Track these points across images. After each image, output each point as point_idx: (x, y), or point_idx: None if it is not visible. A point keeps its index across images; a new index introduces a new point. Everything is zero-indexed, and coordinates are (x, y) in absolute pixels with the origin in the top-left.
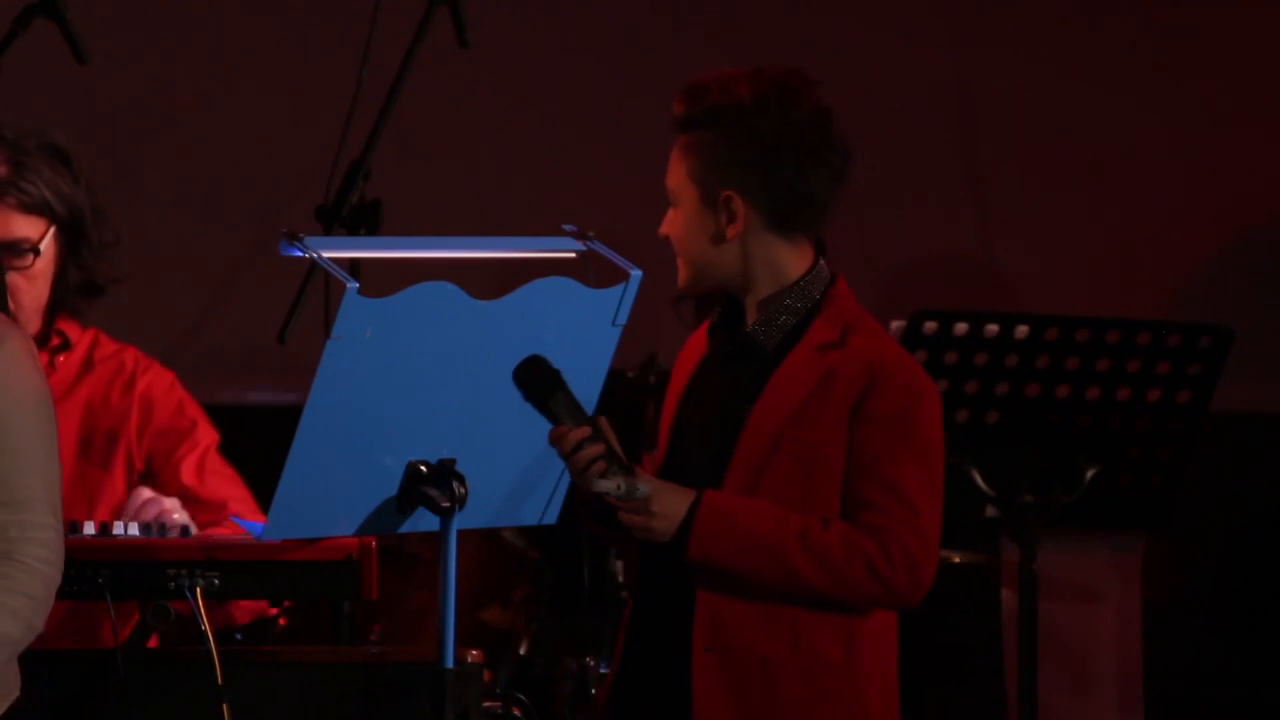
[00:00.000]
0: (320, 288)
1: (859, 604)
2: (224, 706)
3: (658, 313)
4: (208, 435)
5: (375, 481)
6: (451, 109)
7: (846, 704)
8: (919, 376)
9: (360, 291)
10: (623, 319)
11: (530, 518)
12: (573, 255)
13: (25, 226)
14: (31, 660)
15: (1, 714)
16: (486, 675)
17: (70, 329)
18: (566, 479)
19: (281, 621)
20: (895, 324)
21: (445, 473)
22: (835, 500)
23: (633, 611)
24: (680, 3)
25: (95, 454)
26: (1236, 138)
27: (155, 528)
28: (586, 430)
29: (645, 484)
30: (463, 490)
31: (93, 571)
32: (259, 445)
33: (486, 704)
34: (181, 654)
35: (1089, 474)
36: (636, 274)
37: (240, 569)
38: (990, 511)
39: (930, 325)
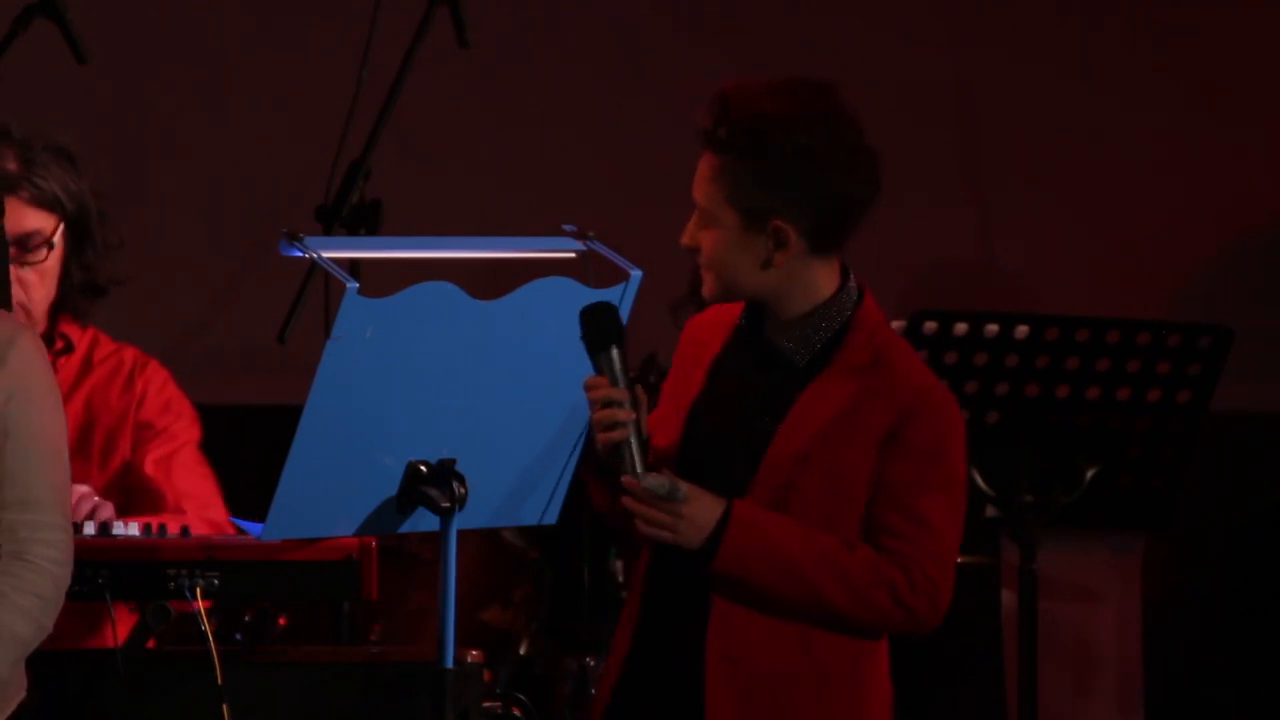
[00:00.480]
0: (320, 288)
1: (878, 628)
2: (224, 706)
3: (658, 313)
4: (186, 432)
5: (375, 481)
6: (451, 109)
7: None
8: (955, 410)
9: (360, 291)
10: (623, 319)
11: (530, 518)
12: (573, 255)
13: (37, 220)
14: (31, 660)
15: (9, 713)
16: (486, 675)
17: (72, 330)
18: (567, 479)
19: (281, 621)
20: (895, 324)
21: (445, 473)
22: (856, 522)
23: (640, 616)
24: (680, 3)
25: (94, 453)
26: (1236, 138)
27: (95, 527)
28: (624, 394)
29: (683, 486)
30: (463, 490)
31: (93, 571)
32: (259, 445)
33: (486, 704)
34: (181, 654)
35: (1089, 474)
36: (636, 274)
37: (240, 569)
38: (990, 511)
39: (930, 325)
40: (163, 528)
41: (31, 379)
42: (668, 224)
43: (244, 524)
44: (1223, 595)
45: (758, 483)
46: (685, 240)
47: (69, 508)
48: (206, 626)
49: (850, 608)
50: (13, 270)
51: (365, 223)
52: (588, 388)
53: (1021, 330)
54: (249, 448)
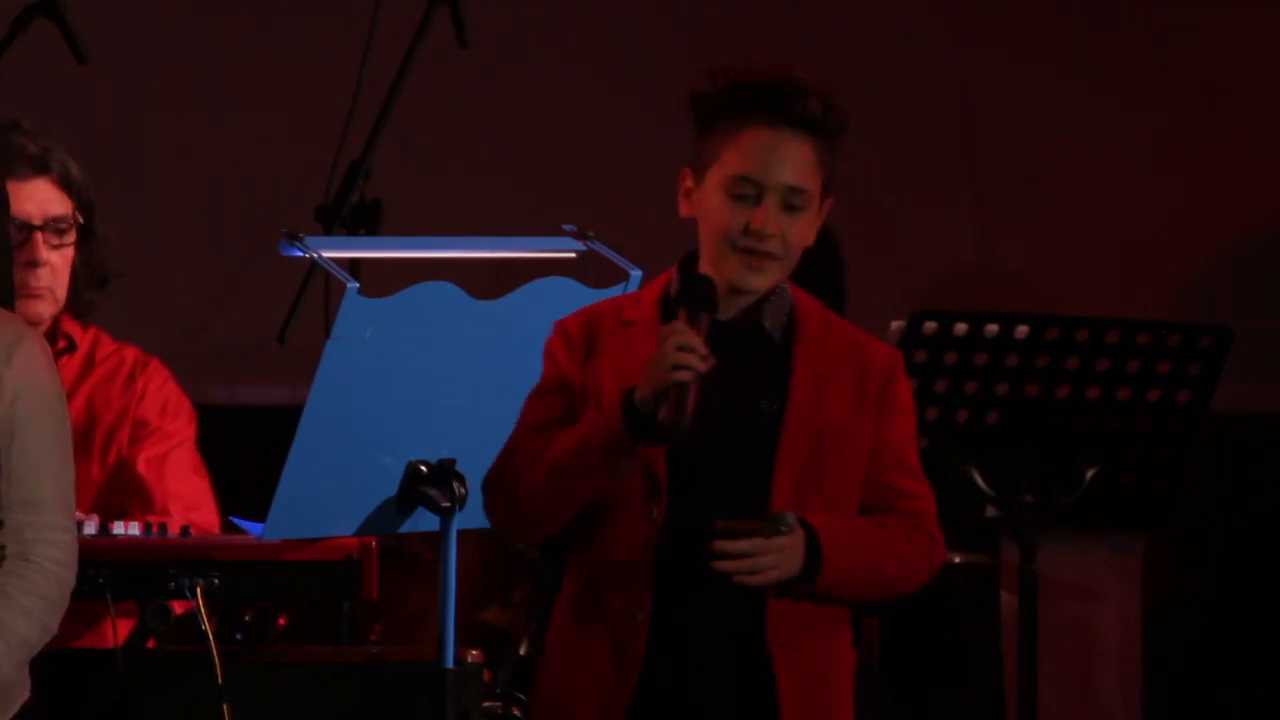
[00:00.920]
0: (320, 288)
1: (914, 590)
2: (224, 706)
3: None
4: (182, 432)
5: (375, 481)
6: (451, 109)
7: (849, 691)
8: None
9: (360, 291)
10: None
11: None
12: (573, 255)
13: (62, 204)
14: (32, 660)
15: (13, 714)
16: (486, 675)
17: (74, 330)
18: None
19: (281, 621)
20: (895, 324)
21: (445, 473)
22: (860, 486)
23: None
24: (680, 3)
25: (94, 451)
26: (1236, 138)
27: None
28: (705, 348)
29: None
30: (463, 490)
31: (93, 571)
32: (259, 445)
33: (486, 704)
34: (181, 654)
35: (1089, 474)
36: (636, 274)
37: (240, 569)
38: (990, 511)
39: (930, 325)
40: (163, 527)
41: (37, 380)
42: (667, 224)
43: (244, 524)
44: (1223, 595)
45: (779, 471)
46: (773, 229)
47: (73, 509)
48: (207, 626)
49: (904, 583)
50: (42, 254)
51: (365, 223)
52: (672, 331)
53: (1021, 330)
54: (249, 448)
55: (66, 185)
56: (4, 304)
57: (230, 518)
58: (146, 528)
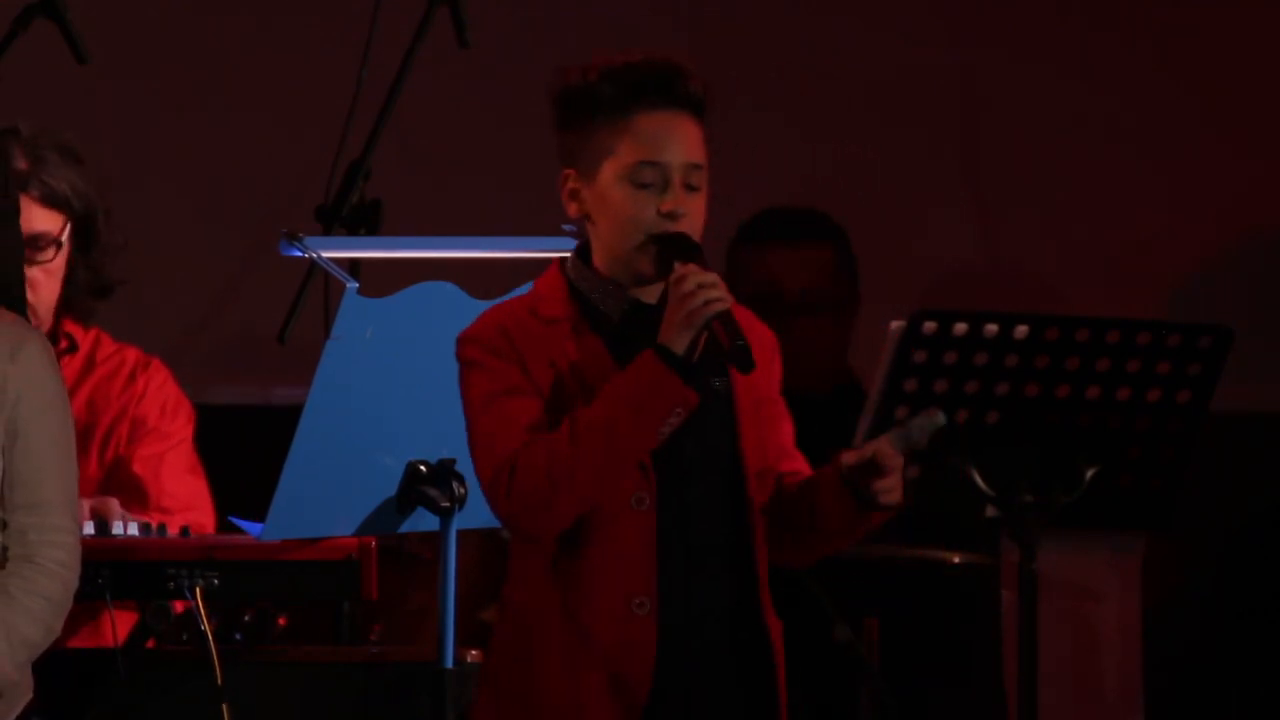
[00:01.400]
0: (320, 288)
1: None
2: (224, 706)
3: None
4: (180, 432)
5: (375, 481)
6: (451, 109)
7: None
8: None
9: (360, 291)
10: None
11: None
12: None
13: (46, 220)
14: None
15: (16, 715)
16: None
17: (75, 330)
18: None
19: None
20: (895, 324)
21: (445, 473)
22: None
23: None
24: (680, 3)
25: (93, 451)
26: (1236, 138)
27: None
28: (716, 276)
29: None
30: (463, 490)
31: (93, 571)
32: (259, 445)
33: None
34: (181, 654)
35: (1089, 474)
36: None
37: (240, 569)
38: (990, 511)
39: (930, 325)
40: (162, 527)
41: (41, 382)
42: None
43: (244, 524)
44: (1223, 595)
45: (745, 442)
46: (684, 208)
47: (77, 510)
48: (206, 626)
49: None
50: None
51: (365, 223)
52: (682, 277)
53: (1021, 330)
54: (249, 448)
55: (51, 201)
56: (15, 308)
57: (230, 518)
58: (145, 528)
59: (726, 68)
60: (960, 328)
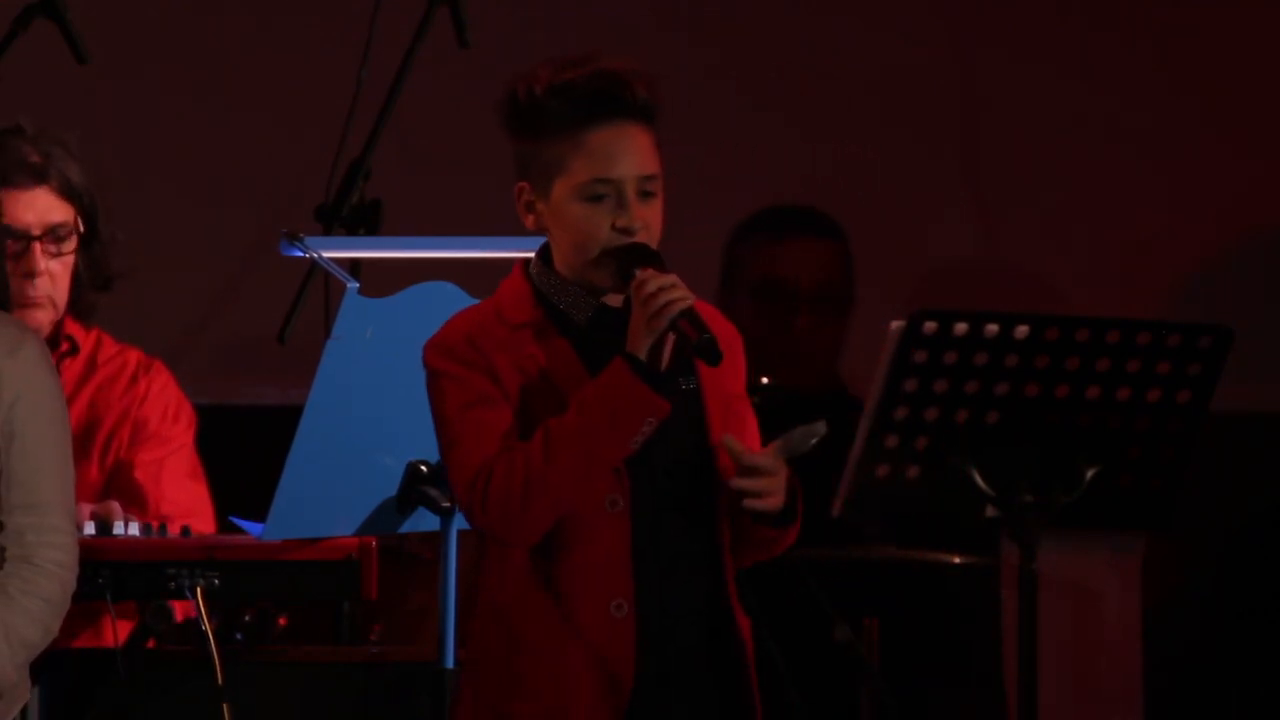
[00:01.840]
0: (320, 288)
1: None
2: (224, 706)
3: None
4: (182, 437)
5: (375, 481)
6: (451, 109)
7: None
8: None
9: (360, 291)
10: None
11: None
12: None
13: (63, 211)
14: (32, 660)
15: (14, 716)
16: None
17: (76, 332)
18: None
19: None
20: (895, 324)
21: (445, 473)
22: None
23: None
24: (680, 3)
25: (94, 454)
26: (1237, 137)
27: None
28: (674, 277)
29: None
30: None
31: (93, 571)
32: (259, 445)
33: None
34: (181, 654)
35: (1089, 474)
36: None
37: (240, 569)
38: (990, 511)
39: (930, 325)
40: (163, 527)
41: (37, 383)
42: (666, 224)
43: (244, 524)
44: (1223, 595)
45: (714, 441)
46: (639, 222)
47: (74, 510)
48: (207, 626)
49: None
50: (40, 264)
51: (365, 223)
52: (643, 282)
53: (1021, 330)
54: (249, 448)
55: (67, 193)
56: (3, 308)
57: (230, 518)
58: (146, 528)
59: (726, 68)
60: (960, 328)
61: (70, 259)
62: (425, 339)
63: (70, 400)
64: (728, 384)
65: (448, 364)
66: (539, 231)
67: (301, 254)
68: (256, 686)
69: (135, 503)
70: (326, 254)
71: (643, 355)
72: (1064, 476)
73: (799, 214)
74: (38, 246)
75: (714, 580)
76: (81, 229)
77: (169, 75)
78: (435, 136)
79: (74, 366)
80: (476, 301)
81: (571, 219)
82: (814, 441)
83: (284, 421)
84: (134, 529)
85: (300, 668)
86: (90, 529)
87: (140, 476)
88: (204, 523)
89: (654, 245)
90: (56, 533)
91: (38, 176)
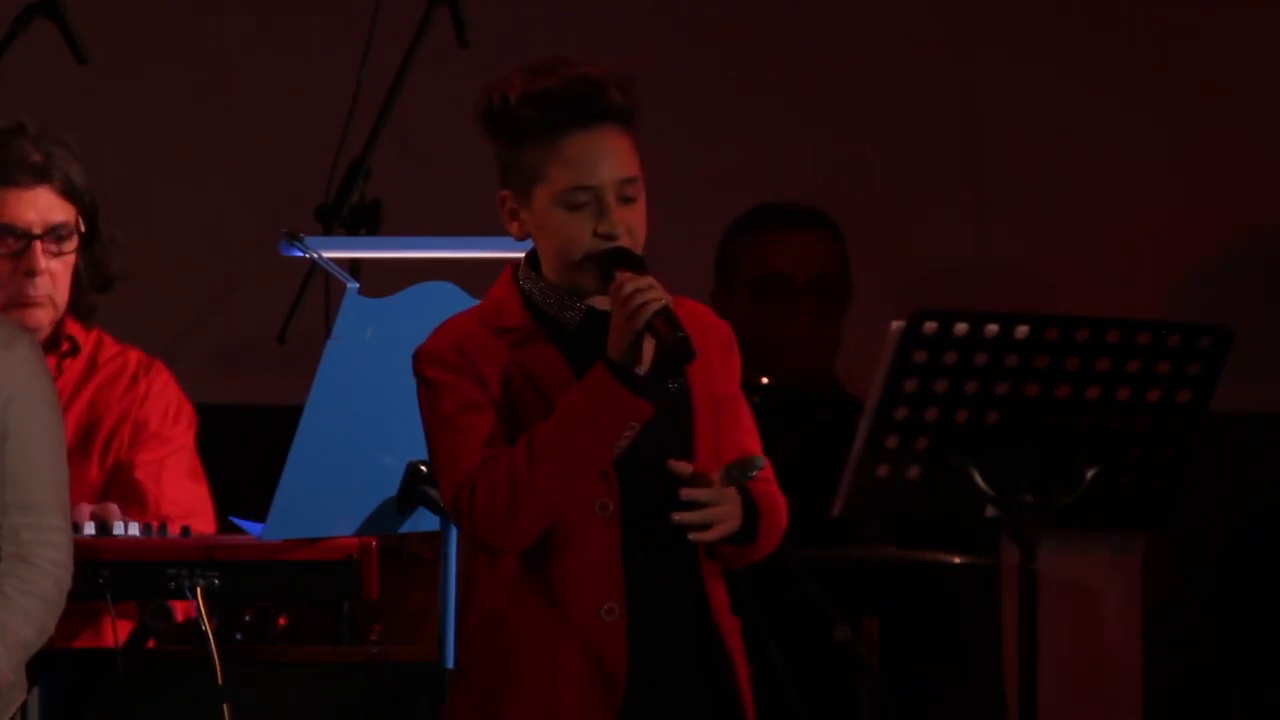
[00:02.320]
0: (320, 288)
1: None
2: (224, 706)
3: None
4: (182, 437)
5: (375, 481)
6: (451, 109)
7: None
8: None
9: (360, 291)
10: None
11: None
12: None
13: (64, 211)
14: (31, 660)
15: (10, 715)
16: None
17: (77, 332)
18: None
19: (281, 621)
20: (895, 324)
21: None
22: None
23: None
24: (680, 3)
25: (94, 454)
26: (1237, 138)
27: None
28: (651, 279)
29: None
30: None
31: (93, 571)
32: (259, 445)
33: None
34: (181, 654)
35: (1089, 474)
36: None
37: (240, 569)
38: (990, 511)
39: (930, 325)
40: (163, 527)
41: (31, 382)
42: (666, 224)
43: (244, 524)
44: (1223, 595)
45: (700, 444)
46: (620, 227)
47: (69, 509)
48: (207, 626)
49: (771, 547)
50: (41, 263)
51: (365, 223)
52: (621, 285)
53: (1021, 330)
54: (249, 448)
55: (69, 192)
56: None
57: (230, 518)
58: (146, 528)
59: (726, 68)
60: (961, 328)
61: (71, 259)
62: (425, 339)
63: (71, 400)
64: (718, 385)
65: (436, 371)
66: (524, 238)
67: (301, 254)
68: (256, 686)
69: (136, 503)
70: (326, 254)
71: (623, 358)
72: (1064, 476)
73: (790, 209)
74: (38, 246)
75: (700, 583)
76: (82, 229)
77: (169, 75)
78: (435, 136)
79: (74, 367)
80: (477, 302)
81: (553, 226)
82: (752, 474)
83: (284, 421)
84: (134, 529)
85: (300, 668)
86: (90, 529)
87: (141, 476)
88: (204, 523)
89: (638, 247)
90: (52, 531)
91: (39, 176)
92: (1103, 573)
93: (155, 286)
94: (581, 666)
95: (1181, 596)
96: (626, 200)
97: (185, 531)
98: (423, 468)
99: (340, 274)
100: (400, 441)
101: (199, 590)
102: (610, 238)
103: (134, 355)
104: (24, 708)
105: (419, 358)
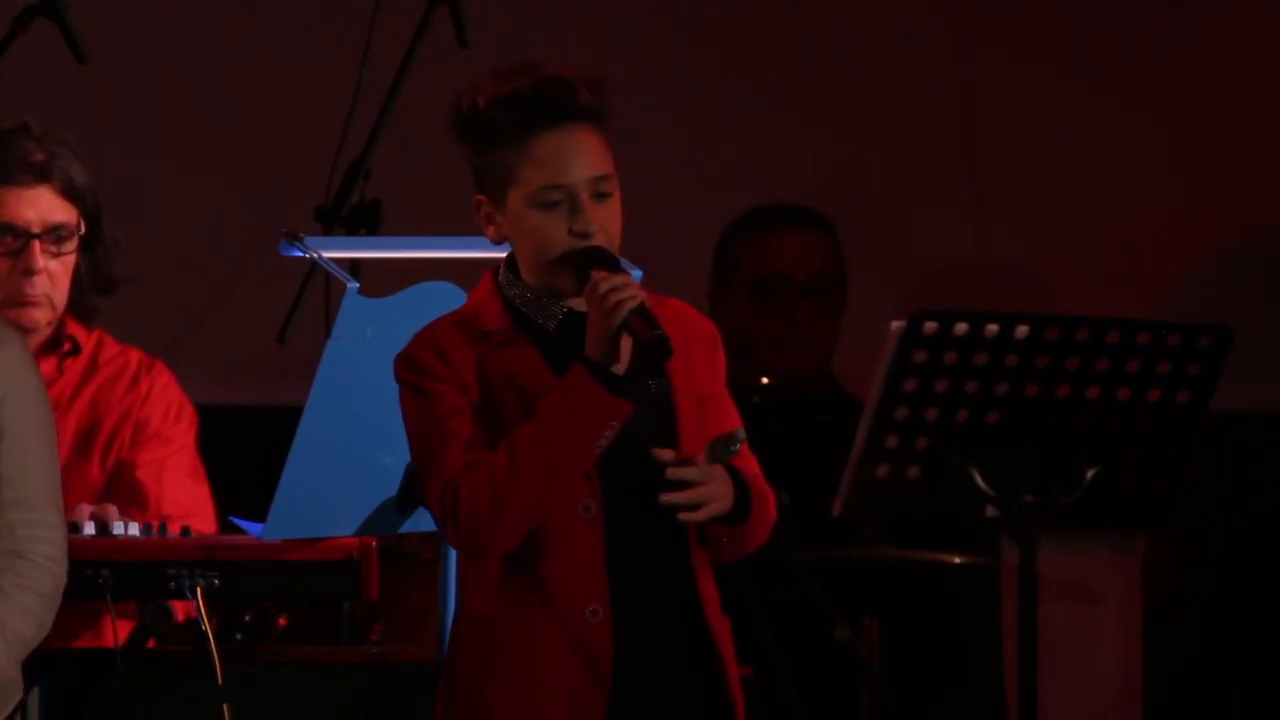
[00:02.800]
0: (320, 288)
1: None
2: (224, 706)
3: None
4: (183, 437)
5: (375, 481)
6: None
7: None
8: None
9: (360, 291)
10: None
11: None
12: None
13: (65, 212)
14: (32, 660)
15: (7, 714)
16: None
17: (78, 332)
18: None
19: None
20: (895, 324)
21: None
22: None
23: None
24: (680, 3)
25: (95, 454)
26: (1236, 138)
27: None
28: (628, 276)
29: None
30: None
31: (93, 571)
32: (259, 445)
33: None
34: (181, 654)
35: (1089, 474)
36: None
37: (240, 569)
38: (990, 511)
39: (930, 325)
40: (163, 527)
41: (22, 380)
42: (666, 224)
43: (244, 524)
44: (1223, 595)
45: (684, 443)
46: (594, 225)
47: (62, 505)
48: (207, 626)
49: (761, 537)
50: (39, 262)
51: (365, 223)
52: (596, 284)
53: (1021, 330)
54: (249, 448)
55: (70, 193)
56: None
57: (230, 518)
58: (146, 528)
59: (726, 68)
60: (961, 328)
61: (71, 259)
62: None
63: (72, 400)
64: (701, 383)
65: (415, 377)
66: (500, 242)
67: (301, 254)
68: (256, 686)
69: (136, 503)
70: (326, 254)
71: (601, 358)
72: (1064, 476)
73: (787, 209)
74: (37, 245)
75: (690, 580)
76: (84, 230)
77: (169, 75)
78: (435, 136)
79: (76, 367)
80: None
81: (528, 227)
82: (735, 448)
83: (284, 421)
84: (134, 529)
85: (300, 668)
86: (90, 529)
87: (142, 476)
88: (205, 523)
89: (614, 245)
90: (47, 527)
91: (41, 175)
92: (1103, 573)
93: (155, 286)
94: (568, 668)
95: (1181, 596)
96: (601, 197)
97: (185, 531)
98: None
99: (340, 274)
100: (400, 441)
101: (199, 590)
102: (585, 236)
103: (135, 355)
104: (24, 708)
105: (399, 363)
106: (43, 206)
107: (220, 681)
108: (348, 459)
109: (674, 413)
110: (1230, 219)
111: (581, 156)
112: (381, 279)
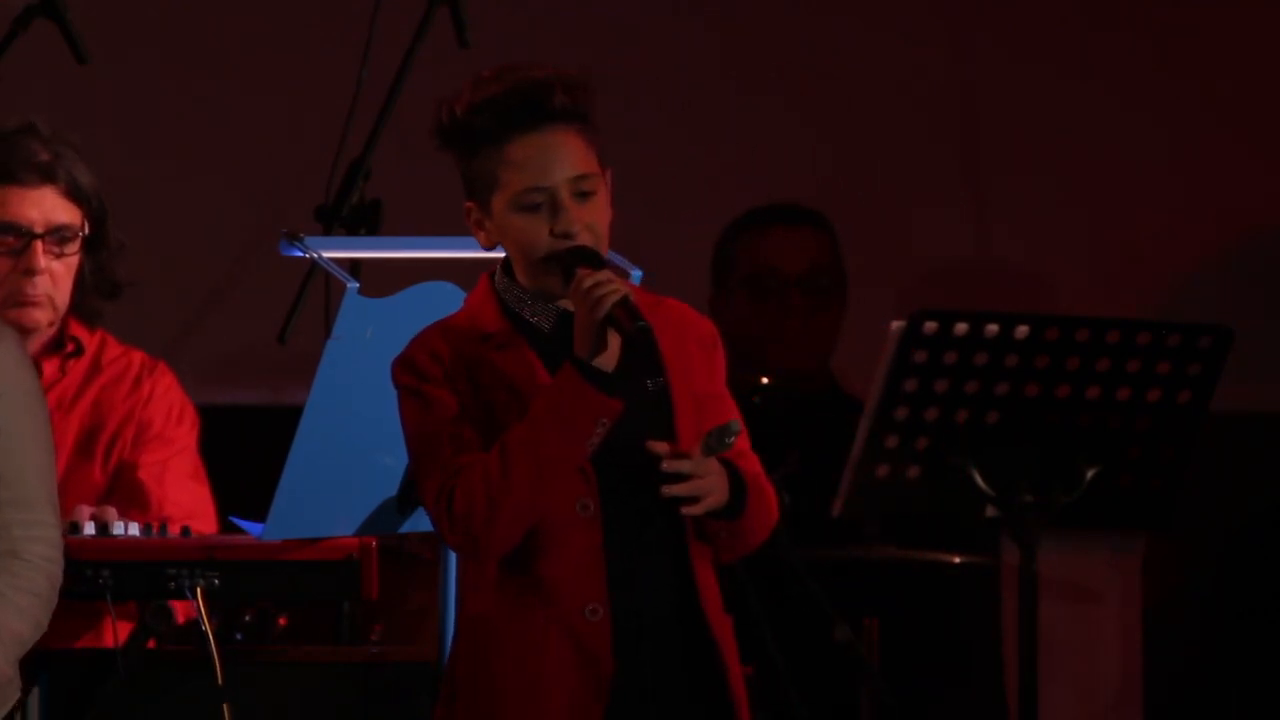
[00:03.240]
0: (320, 288)
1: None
2: (224, 706)
3: None
4: (185, 438)
5: (375, 481)
6: None
7: None
8: None
9: (360, 291)
10: None
11: None
12: None
13: (69, 213)
14: (32, 660)
15: (7, 713)
16: None
17: (81, 333)
18: None
19: (281, 621)
20: (895, 324)
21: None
22: None
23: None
24: (680, 2)
25: (98, 455)
26: (1236, 138)
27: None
28: (609, 273)
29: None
30: None
31: (93, 571)
32: (259, 445)
33: None
34: (181, 654)
35: (1089, 474)
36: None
37: (240, 569)
38: (990, 511)
39: (930, 325)
40: (163, 527)
41: (17, 379)
42: (666, 224)
43: (244, 524)
44: (1223, 595)
45: (681, 441)
46: (577, 225)
47: (58, 505)
48: (207, 626)
49: (761, 536)
50: (40, 262)
51: (365, 223)
52: (581, 281)
53: (1021, 330)
54: (249, 448)
55: (75, 195)
56: None
57: (231, 518)
58: (147, 528)
59: (726, 67)
60: (961, 328)
61: (73, 260)
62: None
63: (74, 401)
64: (699, 382)
65: (412, 380)
66: (491, 247)
67: (301, 254)
68: (256, 686)
69: (138, 504)
70: (326, 254)
71: (590, 355)
72: (1064, 476)
73: (781, 207)
74: (39, 245)
75: (688, 579)
76: (87, 232)
77: (169, 75)
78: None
79: (78, 368)
80: None
81: (513, 231)
82: (729, 440)
83: (284, 421)
84: (134, 529)
85: (300, 668)
86: (90, 529)
87: (144, 477)
88: (206, 524)
89: (600, 243)
90: (43, 527)
91: (45, 175)
92: (1103, 573)
93: (155, 287)
94: (567, 667)
95: (1181, 596)
96: (583, 196)
97: (185, 532)
98: None
99: (340, 274)
100: (400, 441)
101: (199, 590)
102: (568, 236)
103: (138, 356)
104: (24, 708)
105: (396, 366)
106: (46, 207)
107: (220, 681)
108: (348, 459)
109: (671, 412)
110: (1230, 219)
111: (560, 158)
112: (381, 279)
